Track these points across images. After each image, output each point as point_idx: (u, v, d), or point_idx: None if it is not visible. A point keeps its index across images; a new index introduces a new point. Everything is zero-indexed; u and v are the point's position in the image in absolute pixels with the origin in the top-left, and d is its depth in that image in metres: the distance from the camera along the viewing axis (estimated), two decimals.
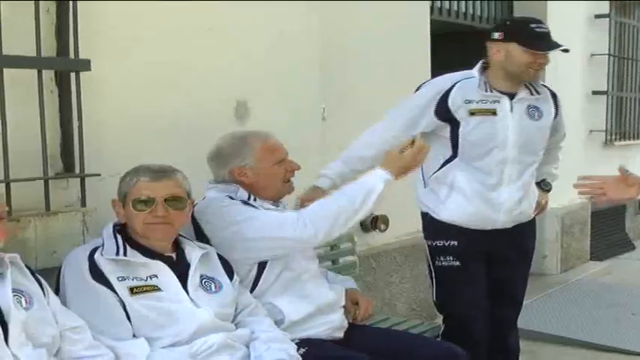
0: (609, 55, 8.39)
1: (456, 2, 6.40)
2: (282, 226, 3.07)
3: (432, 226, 3.85)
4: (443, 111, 3.68)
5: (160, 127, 3.55)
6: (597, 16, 8.12)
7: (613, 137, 8.73)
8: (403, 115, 3.72)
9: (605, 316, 5.92)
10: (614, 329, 5.59)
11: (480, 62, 3.76)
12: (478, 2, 6.74)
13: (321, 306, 3.23)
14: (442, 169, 3.74)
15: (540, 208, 3.99)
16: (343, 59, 4.68)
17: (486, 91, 3.68)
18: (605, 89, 8.38)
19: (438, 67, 4.80)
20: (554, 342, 5.31)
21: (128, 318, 2.70)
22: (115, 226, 2.89)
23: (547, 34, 3.64)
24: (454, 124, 3.68)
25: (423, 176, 3.84)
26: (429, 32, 5.60)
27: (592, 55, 8.08)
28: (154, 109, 3.53)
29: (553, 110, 3.84)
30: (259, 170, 3.23)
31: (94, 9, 3.27)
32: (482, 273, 3.83)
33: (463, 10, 6.49)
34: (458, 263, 3.78)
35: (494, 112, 3.66)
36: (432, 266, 3.89)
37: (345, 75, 4.69)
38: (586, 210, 7.90)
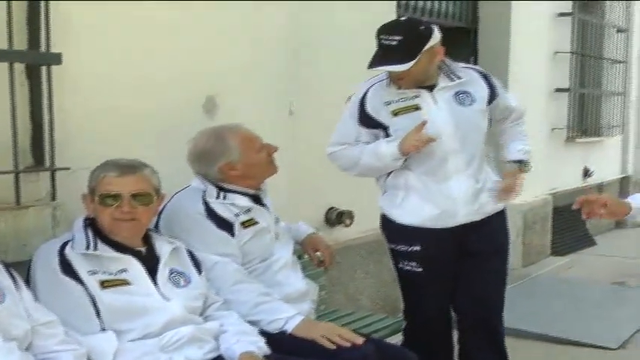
0: (572, 52, 8.49)
1: (422, 0, 6.45)
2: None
3: (393, 230, 3.72)
4: (366, 119, 3.57)
5: (131, 120, 3.56)
6: (561, 15, 8.20)
7: (574, 134, 8.83)
8: (341, 132, 3.68)
9: (565, 310, 6.02)
10: (574, 323, 5.68)
11: None
12: (444, 0, 6.79)
13: (289, 295, 3.30)
14: (393, 173, 3.61)
15: (509, 188, 3.70)
16: (311, 55, 4.72)
17: (399, 88, 3.52)
18: (568, 86, 8.47)
19: None
20: (513, 335, 5.37)
21: (98, 312, 2.73)
22: (85, 220, 2.91)
23: (387, 47, 3.42)
24: (384, 129, 3.55)
25: (380, 183, 3.73)
26: None
27: (556, 53, 8.15)
28: (125, 103, 3.55)
29: (487, 90, 3.64)
30: (246, 161, 3.32)
31: (65, 5, 3.27)
32: (449, 276, 3.70)
33: (429, 7, 6.55)
34: (421, 269, 3.64)
35: (417, 108, 3.51)
36: (396, 268, 3.78)
37: (313, 70, 4.72)
38: (548, 206, 7.99)
